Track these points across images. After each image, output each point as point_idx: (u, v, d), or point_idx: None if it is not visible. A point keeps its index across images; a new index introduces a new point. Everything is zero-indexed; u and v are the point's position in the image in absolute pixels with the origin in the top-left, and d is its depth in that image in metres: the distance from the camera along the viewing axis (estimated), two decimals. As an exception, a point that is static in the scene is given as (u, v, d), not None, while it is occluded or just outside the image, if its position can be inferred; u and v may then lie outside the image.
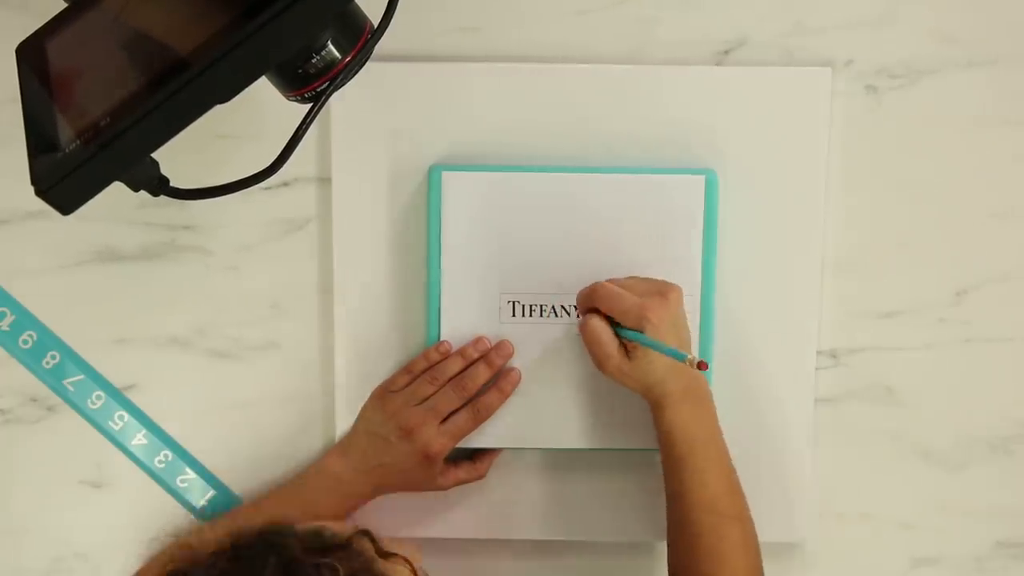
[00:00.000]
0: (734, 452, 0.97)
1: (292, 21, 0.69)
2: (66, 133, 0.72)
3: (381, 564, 0.77)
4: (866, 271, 1.05)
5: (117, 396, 1.06)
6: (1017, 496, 1.08)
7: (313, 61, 0.75)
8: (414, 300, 1.04)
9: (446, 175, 1.00)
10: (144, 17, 0.76)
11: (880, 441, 1.07)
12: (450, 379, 1.00)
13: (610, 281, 0.97)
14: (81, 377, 1.06)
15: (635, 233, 1.01)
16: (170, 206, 0.88)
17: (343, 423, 1.04)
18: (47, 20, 0.80)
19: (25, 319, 1.05)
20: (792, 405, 1.05)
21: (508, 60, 1.02)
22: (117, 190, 0.74)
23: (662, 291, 0.94)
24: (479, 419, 1.01)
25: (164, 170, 0.77)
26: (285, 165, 0.76)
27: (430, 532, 1.05)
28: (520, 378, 1.02)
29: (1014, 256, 1.05)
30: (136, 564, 0.99)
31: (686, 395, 0.95)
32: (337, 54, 0.76)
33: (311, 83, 0.76)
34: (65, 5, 0.80)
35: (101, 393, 1.06)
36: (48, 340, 1.06)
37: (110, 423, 1.07)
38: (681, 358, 0.88)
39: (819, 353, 1.05)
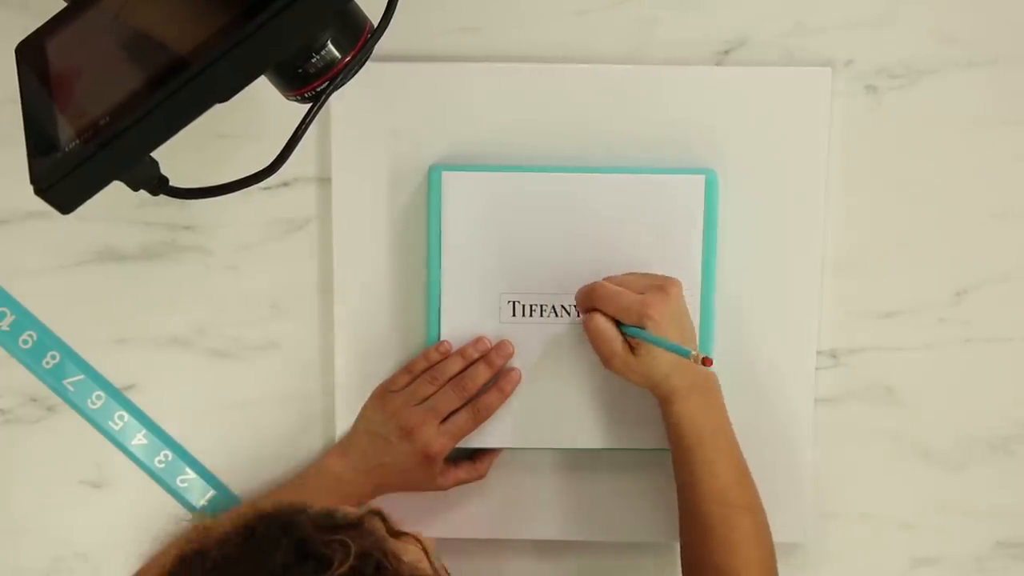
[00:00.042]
0: (734, 452, 0.97)
1: (292, 20, 0.69)
2: (66, 132, 0.72)
3: (392, 543, 0.77)
4: (866, 271, 1.05)
5: (117, 396, 1.06)
6: (1017, 496, 1.08)
7: (313, 61, 0.75)
8: (414, 300, 1.04)
9: (446, 175, 1.00)
10: (143, 16, 0.76)
11: (880, 441, 1.07)
12: (450, 379, 1.01)
13: (608, 279, 0.97)
14: (81, 377, 1.06)
15: (635, 233, 1.01)
16: (170, 206, 0.87)
17: (343, 423, 1.04)
18: (47, 20, 0.81)
19: (25, 319, 1.05)
20: (792, 405, 1.05)
21: (508, 60, 1.02)
22: (117, 189, 0.74)
23: (662, 286, 0.94)
24: (479, 419, 1.01)
25: (164, 169, 0.77)
26: (285, 165, 0.76)
27: (430, 532, 1.03)
28: (520, 378, 1.02)
29: (1014, 256, 1.05)
30: (136, 564, 1.00)
31: (693, 388, 0.95)
32: (337, 54, 0.76)
33: (311, 83, 0.76)
34: (65, 5, 0.80)
35: (101, 393, 1.06)
36: (48, 340, 1.06)
37: (110, 423, 1.07)
38: (685, 354, 0.88)
39: (819, 353, 1.05)
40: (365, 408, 1.04)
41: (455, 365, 1.01)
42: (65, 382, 1.06)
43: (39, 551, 1.08)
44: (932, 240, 1.05)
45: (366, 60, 0.77)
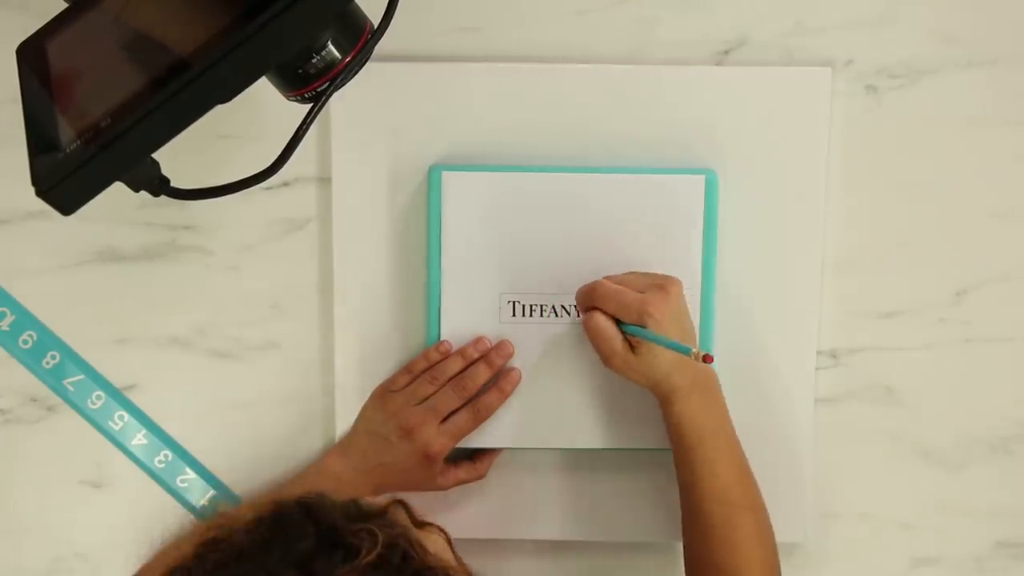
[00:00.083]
0: (734, 452, 0.97)
1: (292, 21, 0.69)
2: (67, 133, 0.72)
3: (417, 532, 0.77)
4: (866, 271, 1.05)
5: (117, 396, 1.06)
6: (1017, 496, 1.08)
7: (313, 61, 0.75)
8: (414, 300, 1.04)
9: (446, 175, 1.00)
10: (144, 17, 0.76)
11: (880, 441, 1.07)
12: (450, 379, 1.01)
13: (608, 278, 0.97)
14: (81, 377, 1.06)
15: (635, 233, 1.01)
16: (171, 206, 0.87)
17: (343, 423, 1.04)
18: (47, 20, 0.81)
19: (25, 319, 1.05)
20: (792, 405, 1.05)
21: (508, 60, 1.02)
22: (118, 190, 0.74)
23: (662, 285, 0.94)
24: (479, 419, 1.01)
25: (165, 170, 0.77)
26: (285, 165, 0.76)
27: (430, 532, 1.05)
28: (520, 378, 1.02)
29: (1014, 256, 1.05)
30: (136, 564, 1.00)
31: (694, 387, 0.95)
32: (337, 54, 0.76)
33: (311, 83, 0.77)
34: (65, 5, 0.80)
35: (101, 393, 1.06)
36: (48, 340, 1.06)
37: (110, 423, 1.07)
38: (686, 352, 0.89)
39: (819, 353, 1.05)
40: (365, 408, 1.04)
41: (455, 365, 1.01)
42: (65, 382, 1.06)
43: (39, 551, 1.08)
44: (932, 240, 1.05)
45: (366, 60, 0.77)
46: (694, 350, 0.88)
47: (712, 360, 0.86)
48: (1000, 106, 1.03)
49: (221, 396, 1.07)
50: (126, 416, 1.07)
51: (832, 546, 1.08)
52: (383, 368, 1.04)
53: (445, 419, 1.00)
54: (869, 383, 1.06)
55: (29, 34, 0.81)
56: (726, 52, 1.03)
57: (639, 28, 1.03)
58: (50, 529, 1.08)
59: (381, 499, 0.80)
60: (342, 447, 1.03)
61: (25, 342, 1.06)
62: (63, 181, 0.71)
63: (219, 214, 1.04)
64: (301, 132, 0.75)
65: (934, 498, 1.08)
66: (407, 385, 1.02)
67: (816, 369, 1.05)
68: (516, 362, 1.02)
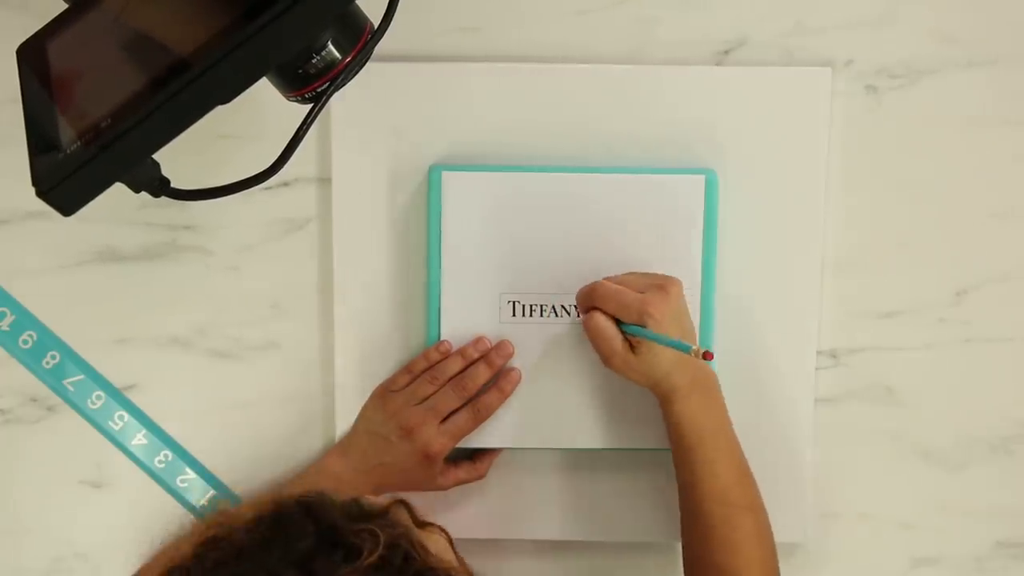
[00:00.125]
0: (734, 452, 0.97)
1: (293, 22, 0.69)
2: (67, 134, 0.72)
3: (418, 532, 0.77)
4: (866, 271, 1.05)
5: (117, 396, 1.06)
6: (1017, 496, 1.08)
7: (313, 61, 0.75)
8: (414, 300, 1.04)
9: (446, 175, 1.00)
10: (145, 18, 0.76)
11: (880, 441, 1.07)
12: (450, 379, 1.01)
13: (608, 279, 0.97)
14: (81, 377, 1.06)
15: (635, 233, 1.01)
16: (171, 206, 0.88)
17: (343, 423, 1.04)
18: (48, 21, 0.81)
19: (25, 319, 1.05)
20: (792, 405, 1.05)
21: (508, 60, 1.02)
22: (118, 190, 0.74)
23: (662, 285, 0.94)
24: (479, 419, 1.01)
25: (165, 171, 0.77)
26: (285, 165, 0.76)
27: (430, 532, 1.05)
28: (520, 378, 1.02)
29: (1014, 256, 1.05)
30: (136, 564, 1.00)
31: (694, 387, 0.95)
32: (337, 54, 0.76)
33: (311, 83, 0.77)
34: (66, 6, 0.80)
35: (101, 393, 1.06)
36: (48, 340, 1.06)
37: (110, 423, 1.07)
38: (686, 349, 0.89)
39: (819, 353, 1.05)
40: (365, 408, 1.04)
41: (455, 365, 1.01)
42: (65, 382, 1.06)
43: (39, 551, 1.08)
44: (932, 240, 1.05)
45: (367, 61, 0.77)
46: (694, 347, 0.88)
47: (712, 357, 0.86)
48: (1000, 106, 1.03)
49: (221, 396, 1.07)
50: (126, 416, 1.07)
51: (832, 546, 1.08)
52: (383, 368, 1.04)
53: (445, 419, 1.00)
54: (869, 383, 1.06)
55: (29, 34, 0.81)
56: (726, 52, 1.03)
57: (639, 28, 1.03)
58: (50, 529, 1.08)
59: (383, 499, 0.80)
60: (342, 447, 1.03)
61: (25, 342, 1.06)
62: (63, 181, 0.71)
63: (219, 214, 1.04)
64: (301, 132, 0.75)
65: (934, 498, 1.08)
66: (407, 385, 1.02)
67: (816, 369, 1.05)
68: (516, 362, 1.02)
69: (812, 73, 1.02)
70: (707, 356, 0.86)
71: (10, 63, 0.80)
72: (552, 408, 1.03)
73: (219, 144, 1.02)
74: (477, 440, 1.02)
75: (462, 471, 1.03)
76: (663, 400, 0.96)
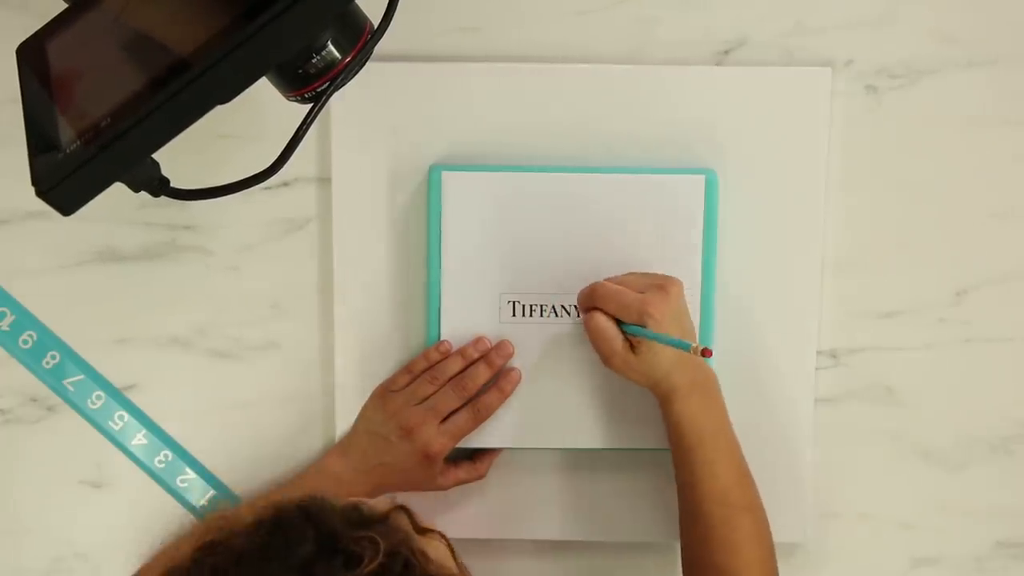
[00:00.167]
0: (734, 452, 0.97)
1: (292, 22, 0.69)
2: (67, 134, 0.72)
3: (418, 539, 0.77)
4: (866, 271, 1.05)
5: (117, 396, 1.06)
6: (1017, 496, 1.08)
7: (313, 61, 0.75)
8: (414, 300, 1.04)
9: (446, 175, 1.00)
10: (144, 18, 0.76)
11: (880, 441, 1.07)
12: (450, 379, 1.01)
13: (609, 279, 0.97)
14: (81, 377, 1.06)
15: (635, 233, 1.01)
16: (171, 206, 0.88)
17: (343, 423, 1.04)
18: (47, 20, 0.80)
19: (25, 319, 1.05)
20: (792, 405, 1.05)
21: (508, 60, 1.02)
22: (118, 190, 0.74)
23: (662, 285, 0.95)
24: (479, 419, 1.01)
25: (165, 170, 0.77)
26: (285, 165, 0.76)
27: (430, 532, 1.05)
28: (520, 378, 1.02)
29: (1014, 256, 1.05)
30: (136, 564, 1.00)
31: (694, 387, 0.95)
32: (337, 54, 0.76)
33: (311, 83, 0.76)
34: (65, 6, 0.80)
35: (101, 393, 1.06)
36: (48, 340, 1.06)
37: (110, 423, 1.07)
38: (685, 347, 0.89)
39: (819, 353, 1.05)
40: (365, 408, 1.04)
41: (455, 365, 1.01)
42: (65, 382, 1.06)
43: (39, 551, 1.08)
44: (932, 240, 1.05)
45: (366, 60, 0.77)
46: (693, 344, 0.88)
47: (711, 354, 0.86)
48: (1000, 106, 1.03)
49: (221, 396, 1.07)
50: (126, 416, 1.07)
51: (832, 546, 1.08)
52: (383, 368, 1.04)
53: (445, 419, 1.00)
54: (869, 383, 1.06)
55: (29, 34, 0.81)
56: (726, 52, 1.03)
57: (639, 28, 1.03)
58: (50, 529, 1.08)
59: (383, 504, 0.80)
60: (342, 447, 1.03)
61: (25, 342, 1.06)
62: (63, 181, 0.71)
63: (219, 214, 1.04)
64: (301, 132, 0.75)
65: (934, 498, 1.08)
66: (407, 385, 1.02)
67: (816, 369, 1.05)
68: (516, 362, 1.02)
69: (812, 73, 1.02)
70: (706, 353, 0.86)
71: (10, 63, 0.80)
72: (552, 408, 1.03)
73: (219, 144, 1.02)
74: (477, 440, 1.02)
75: (462, 471, 1.03)
76: (663, 400, 0.96)
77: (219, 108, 0.71)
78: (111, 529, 1.08)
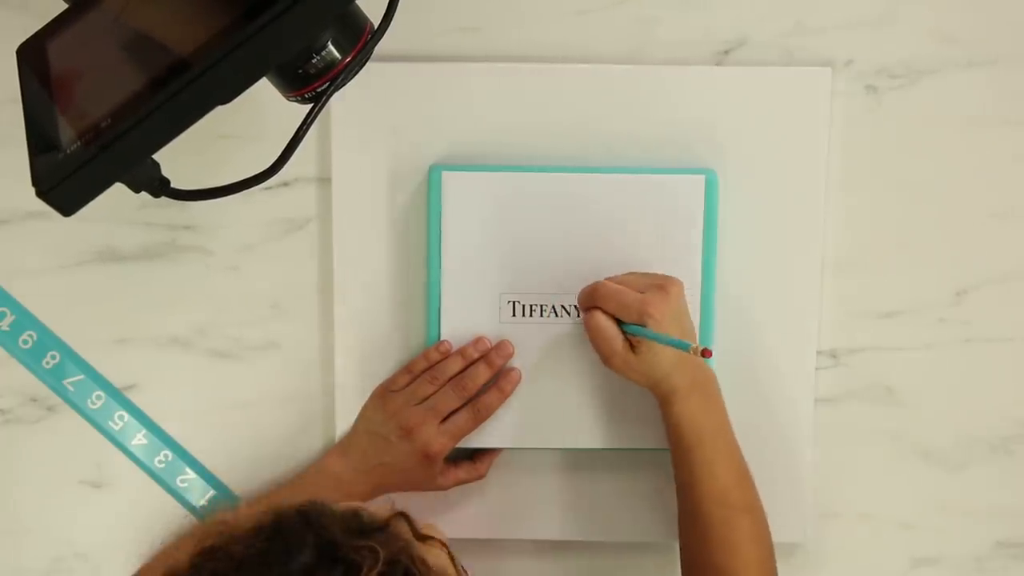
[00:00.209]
0: (734, 452, 0.97)
1: (293, 22, 0.69)
2: (67, 134, 0.72)
3: (418, 547, 0.77)
4: (866, 271, 1.05)
5: (117, 396, 1.06)
6: (1017, 496, 1.08)
7: (313, 61, 0.75)
8: (414, 300, 1.04)
9: (446, 175, 1.00)
10: (145, 18, 0.76)
11: (880, 441, 1.07)
12: (450, 379, 1.00)
13: (609, 279, 0.97)
14: (81, 377, 1.06)
15: (635, 233, 1.01)
16: (171, 206, 0.88)
17: (343, 423, 1.04)
18: (47, 21, 0.80)
19: (25, 319, 1.05)
20: (792, 405, 1.05)
21: (508, 60, 1.02)
22: (118, 191, 0.74)
23: (662, 285, 0.95)
24: (479, 419, 1.01)
25: (165, 171, 0.77)
26: (285, 165, 0.76)
27: (430, 532, 1.05)
28: (520, 378, 1.02)
29: (1014, 256, 1.05)
30: (136, 564, 1.00)
31: (693, 388, 0.95)
32: (337, 54, 0.76)
33: (311, 83, 0.76)
34: (66, 6, 0.80)
35: (101, 393, 1.06)
36: (48, 340, 1.06)
37: (110, 423, 1.07)
38: (685, 347, 0.89)
39: (819, 353, 1.05)
40: (365, 408, 1.04)
41: (455, 365, 1.01)
42: (65, 382, 1.06)
43: (39, 551, 1.08)
44: (932, 240, 1.05)
45: (366, 61, 0.77)
46: (693, 345, 0.88)
47: (711, 354, 0.86)
48: (1000, 106, 1.03)
49: (221, 396, 1.07)
50: (126, 416, 1.07)
51: (832, 546, 1.08)
52: (383, 368, 1.04)
53: (445, 419, 1.00)
54: (869, 383, 1.06)
55: (29, 34, 0.81)
56: (726, 52, 1.03)
57: (639, 28, 1.03)
58: (50, 529, 1.08)
59: (383, 511, 0.79)
60: (342, 447, 1.03)
61: (25, 342, 1.06)
62: (63, 181, 0.71)
63: (219, 214, 1.04)
64: (301, 132, 0.75)
65: (934, 498, 1.08)
66: (407, 385, 1.02)
67: (816, 369, 1.05)
68: (516, 362, 1.02)
69: (812, 73, 1.02)
70: (706, 354, 0.86)
71: (10, 63, 0.80)
72: (552, 408, 1.03)
73: (219, 144, 1.02)
74: (477, 440, 1.02)
75: (462, 471, 1.03)
76: (663, 401, 0.96)
77: (219, 108, 0.71)
78: (111, 529, 1.08)
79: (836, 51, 1.03)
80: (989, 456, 1.07)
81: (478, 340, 1.01)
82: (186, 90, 0.69)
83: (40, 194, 0.71)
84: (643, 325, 0.93)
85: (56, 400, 1.06)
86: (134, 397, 1.07)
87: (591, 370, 1.01)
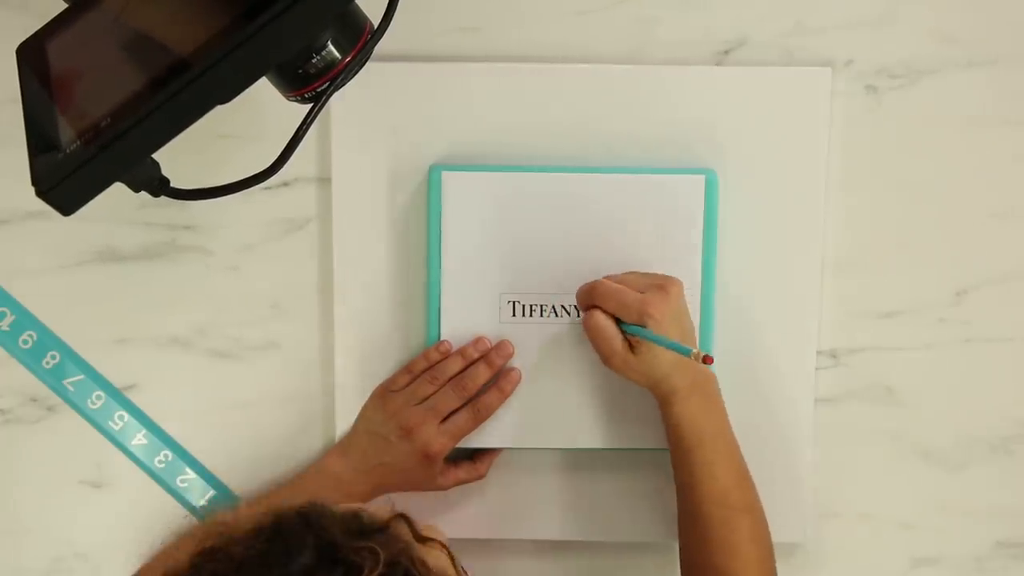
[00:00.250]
0: (734, 452, 0.97)
1: (292, 22, 0.69)
2: (67, 134, 0.72)
3: (419, 548, 0.77)
4: (866, 271, 1.05)
5: (117, 396, 1.06)
6: (1017, 496, 1.08)
7: (313, 61, 0.75)
8: (414, 300, 1.04)
9: (446, 175, 1.00)
10: (144, 18, 0.76)
11: (880, 441, 1.07)
12: (450, 379, 1.00)
13: (608, 277, 0.97)
14: (81, 377, 1.06)
15: (635, 233, 1.01)
16: (171, 206, 0.88)
17: (343, 423, 1.04)
18: (47, 20, 0.80)
19: (25, 319, 1.05)
20: (792, 405, 1.05)
21: (508, 60, 1.02)
22: (117, 190, 0.74)
23: (662, 285, 0.94)
24: (479, 419, 1.01)
25: (165, 170, 0.77)
26: (285, 165, 0.76)
27: (430, 532, 1.05)
28: (520, 378, 1.02)
29: (1014, 256, 1.05)
30: (136, 564, 1.00)
31: (693, 389, 0.95)
32: (337, 54, 0.76)
33: (311, 83, 0.76)
34: (65, 6, 0.80)
35: (101, 393, 1.06)
36: (48, 340, 1.06)
37: (110, 423, 1.07)
38: (686, 353, 0.88)
39: (819, 353, 1.05)
40: (365, 408, 1.04)
41: (455, 365, 1.01)
42: (65, 382, 1.06)
43: (39, 551, 1.08)
44: (932, 240, 1.05)
45: (366, 60, 0.77)
46: (694, 351, 0.87)
47: (712, 361, 0.86)
48: (1000, 106, 1.03)
49: (221, 396, 1.07)
50: (126, 416, 1.07)
51: (832, 546, 1.08)
52: (383, 368, 1.04)
53: (445, 419, 1.00)
54: (869, 383, 1.06)
55: (29, 34, 0.81)
56: (726, 52, 1.03)
57: (639, 28, 1.03)
58: (50, 529, 1.08)
59: (383, 513, 0.79)
60: (342, 447, 1.03)
61: (25, 342, 1.06)
62: (63, 181, 0.71)
63: (219, 214, 1.04)
64: (301, 132, 0.75)
65: (934, 498, 1.08)
66: (407, 385, 1.02)
67: (816, 369, 1.05)
68: (516, 362, 1.02)
69: (812, 73, 1.02)
70: (707, 360, 0.86)
71: (10, 63, 0.80)
72: (552, 408, 1.03)
73: (219, 144, 1.02)
74: (477, 440, 1.02)
75: (462, 471, 1.03)
76: (662, 401, 0.96)
77: (219, 108, 0.71)
78: (111, 529, 1.08)
79: (836, 51, 1.03)
80: (989, 456, 1.07)
81: (478, 340, 1.01)
82: (186, 90, 0.69)
83: (40, 194, 0.71)
84: (643, 325, 0.92)
85: (56, 400, 1.06)
86: (134, 397, 1.07)
87: (591, 370, 1.01)
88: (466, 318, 1.02)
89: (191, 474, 1.07)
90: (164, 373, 1.06)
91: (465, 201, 1.00)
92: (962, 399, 1.06)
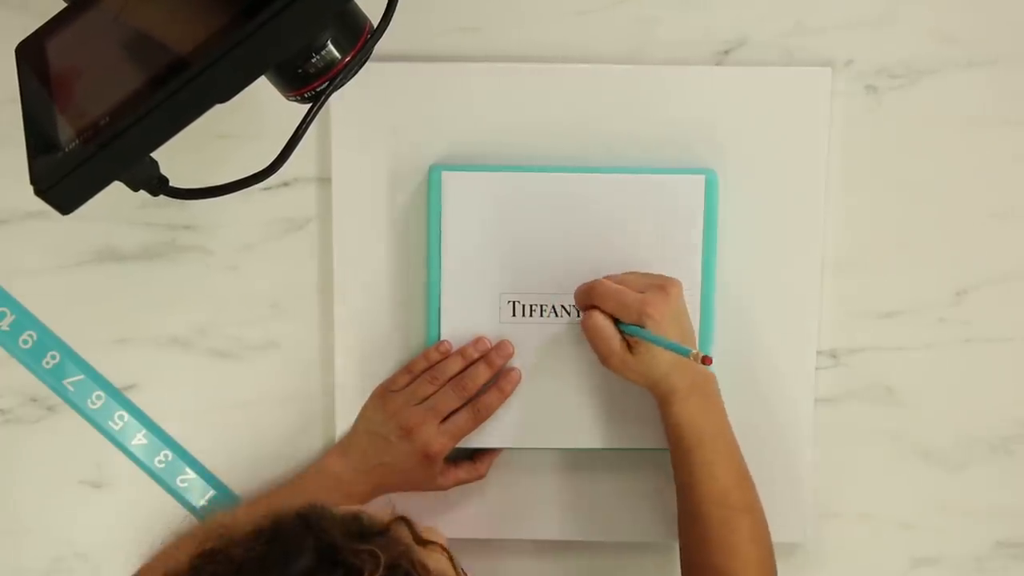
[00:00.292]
0: (734, 452, 0.97)
1: (292, 21, 0.69)
2: (66, 133, 0.72)
3: (419, 551, 0.77)
4: (866, 271, 1.05)
5: (117, 396, 1.06)
6: (1017, 496, 1.08)
7: (313, 61, 0.75)
8: (414, 300, 1.04)
9: (446, 175, 1.00)
10: (144, 16, 0.76)
11: (880, 441, 1.07)
12: (450, 379, 1.00)
13: (608, 277, 0.97)
14: (81, 377, 1.06)
15: (635, 233, 1.01)
16: (170, 206, 0.87)
17: (343, 423, 1.04)
18: (47, 20, 0.80)
19: (25, 319, 1.05)
20: (792, 405, 1.05)
21: (508, 60, 1.02)
22: (117, 190, 0.74)
23: (662, 285, 0.94)
24: (479, 419, 1.01)
25: (164, 170, 0.77)
26: (285, 165, 0.76)
27: (430, 532, 1.05)
28: (520, 378, 1.02)
29: (1014, 256, 1.05)
30: (136, 564, 1.00)
31: (693, 389, 0.95)
32: (337, 54, 0.76)
33: (311, 83, 0.76)
34: (65, 5, 0.80)
35: (101, 393, 1.06)
36: (48, 340, 1.06)
37: (110, 423, 1.07)
38: (685, 353, 0.88)
39: (819, 353, 1.05)
40: (365, 408, 1.04)
41: (455, 365, 1.01)
42: (65, 382, 1.06)
43: (39, 551, 1.08)
44: (932, 240, 1.05)
45: (366, 60, 0.77)
46: (693, 351, 0.87)
47: (711, 362, 0.86)
48: (1000, 106, 1.03)
49: (221, 396, 1.07)
50: (126, 416, 1.07)
51: (832, 546, 1.08)
52: (383, 368, 1.04)
53: (445, 419, 1.00)
54: (869, 383, 1.06)
55: (29, 34, 0.81)
56: (726, 52, 1.03)
57: (639, 28, 1.03)
58: (50, 529, 1.08)
59: (383, 514, 0.79)
60: (342, 447, 1.03)
61: (25, 342, 1.06)
62: (62, 180, 0.71)
63: (219, 214, 1.04)
64: (301, 132, 0.75)
65: (934, 498, 1.08)
66: (407, 385, 1.02)
67: (816, 369, 1.05)
68: (516, 362, 1.02)
69: (812, 73, 1.02)
70: (706, 361, 0.86)
71: (10, 63, 0.80)
72: (552, 408, 1.03)
73: (218, 143, 1.02)
74: (477, 440, 1.02)
75: (462, 471, 1.03)
76: (662, 401, 0.96)
77: (218, 107, 0.71)
78: (111, 529, 1.08)
79: (836, 51, 1.03)
80: (989, 456, 1.07)
81: (478, 340, 1.01)
82: (185, 89, 0.69)
83: (39, 193, 0.72)
84: (642, 325, 0.92)
85: (56, 400, 1.06)
86: (134, 397, 1.07)
87: (591, 370, 1.01)
88: (466, 318, 1.02)
89: (191, 474, 1.07)
90: (164, 373, 1.06)
91: (465, 201, 1.00)
92: (962, 399, 1.06)
